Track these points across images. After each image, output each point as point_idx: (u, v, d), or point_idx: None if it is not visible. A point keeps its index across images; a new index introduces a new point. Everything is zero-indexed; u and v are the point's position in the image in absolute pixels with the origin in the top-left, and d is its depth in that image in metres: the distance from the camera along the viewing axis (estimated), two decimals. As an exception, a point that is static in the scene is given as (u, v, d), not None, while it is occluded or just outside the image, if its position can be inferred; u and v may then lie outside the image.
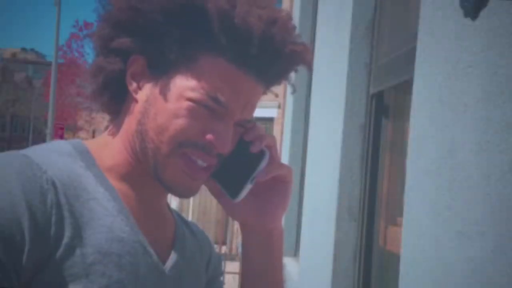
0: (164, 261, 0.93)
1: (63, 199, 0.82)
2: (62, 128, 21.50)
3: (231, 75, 0.87)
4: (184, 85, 0.86)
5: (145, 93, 0.89)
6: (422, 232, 1.55)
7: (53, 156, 0.86)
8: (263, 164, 0.92)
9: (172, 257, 0.95)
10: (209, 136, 0.87)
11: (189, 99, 0.86)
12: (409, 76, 1.84)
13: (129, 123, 0.91)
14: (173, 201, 10.11)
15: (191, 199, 11.77)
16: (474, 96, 1.30)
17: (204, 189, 0.97)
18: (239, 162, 0.91)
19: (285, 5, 15.89)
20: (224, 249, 12.96)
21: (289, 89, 1.00)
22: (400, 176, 2.08)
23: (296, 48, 0.90)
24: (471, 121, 1.30)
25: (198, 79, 0.86)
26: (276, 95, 10.94)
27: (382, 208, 2.53)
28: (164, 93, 0.87)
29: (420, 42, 1.68)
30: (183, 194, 0.92)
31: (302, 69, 0.97)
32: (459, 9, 1.18)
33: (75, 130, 28.02)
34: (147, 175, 0.91)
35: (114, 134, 0.94)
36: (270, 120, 16.82)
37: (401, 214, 1.77)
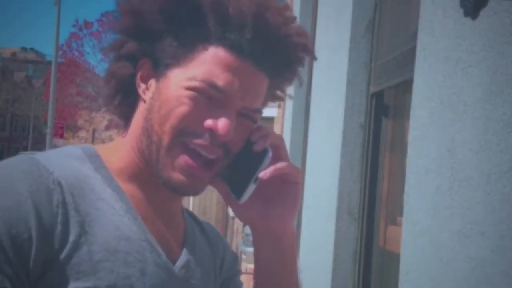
0: (174, 261, 0.93)
1: (70, 199, 0.83)
2: (62, 128, 21.49)
3: (228, 62, 0.88)
4: (183, 76, 0.88)
5: (151, 91, 0.91)
6: (422, 232, 1.55)
7: (61, 159, 0.88)
8: (265, 163, 0.90)
9: (182, 257, 0.95)
10: (208, 122, 0.87)
11: (188, 88, 0.87)
12: (409, 76, 1.84)
13: (137, 122, 0.93)
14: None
15: (191, 198, 11.77)
16: (474, 96, 1.30)
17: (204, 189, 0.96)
18: (244, 162, 0.91)
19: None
20: (224, 248, 12.94)
21: (295, 83, 1.00)
22: (400, 175, 2.08)
23: (291, 31, 0.91)
24: (471, 121, 1.30)
25: (196, 68, 0.88)
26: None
27: (382, 208, 2.53)
28: (166, 86, 0.89)
29: (420, 42, 1.68)
30: (184, 191, 0.91)
31: (303, 68, 0.97)
32: (459, 8, 1.18)
33: (75, 130, 28.01)
34: (154, 176, 0.92)
35: (124, 137, 0.96)
36: (270, 120, 16.80)
37: (401, 214, 1.77)
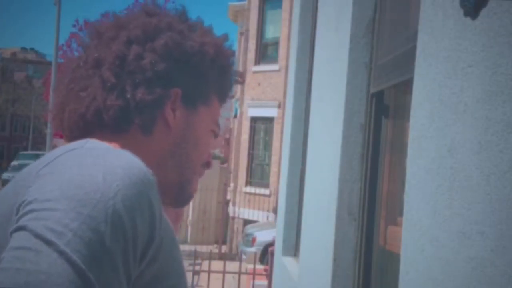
0: None
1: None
2: (62, 128, 21.45)
3: (219, 112, 1.17)
4: (209, 120, 1.12)
5: (182, 122, 1.07)
6: (422, 232, 1.55)
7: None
8: None
9: None
10: (208, 160, 1.14)
11: (213, 132, 1.13)
12: (409, 76, 1.84)
13: (160, 143, 1.06)
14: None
15: (191, 199, 11.77)
16: (474, 96, 1.30)
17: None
18: None
19: (285, 5, 15.88)
20: (224, 249, 12.95)
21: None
22: (400, 176, 2.08)
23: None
24: (471, 121, 1.30)
25: (214, 115, 1.13)
26: None
27: (382, 208, 2.53)
28: (199, 124, 1.10)
29: (420, 42, 1.68)
30: (188, 203, 1.16)
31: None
32: (459, 8, 1.18)
33: (75, 129, 27.96)
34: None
35: (128, 149, 0.99)
36: (270, 119, 16.80)
37: (401, 214, 1.78)
